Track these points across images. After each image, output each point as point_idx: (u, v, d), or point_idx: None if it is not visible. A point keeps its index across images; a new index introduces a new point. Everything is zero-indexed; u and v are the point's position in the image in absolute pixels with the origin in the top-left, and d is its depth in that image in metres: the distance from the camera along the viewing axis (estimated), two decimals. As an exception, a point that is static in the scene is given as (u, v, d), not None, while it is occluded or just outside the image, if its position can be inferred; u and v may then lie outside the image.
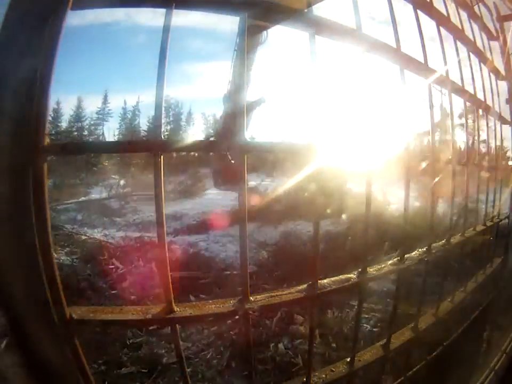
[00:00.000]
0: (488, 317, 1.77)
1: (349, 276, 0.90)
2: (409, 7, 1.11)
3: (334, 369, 0.96)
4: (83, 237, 6.91)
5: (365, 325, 3.41)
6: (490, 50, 1.76)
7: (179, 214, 9.19)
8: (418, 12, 1.12)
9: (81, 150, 0.71)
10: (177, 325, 0.68)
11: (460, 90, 1.34)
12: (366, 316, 3.54)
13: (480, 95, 1.55)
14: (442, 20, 1.27)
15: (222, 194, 12.24)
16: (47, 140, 0.51)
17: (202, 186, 13.69)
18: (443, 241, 1.31)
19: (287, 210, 8.06)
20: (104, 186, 14.35)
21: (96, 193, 13.77)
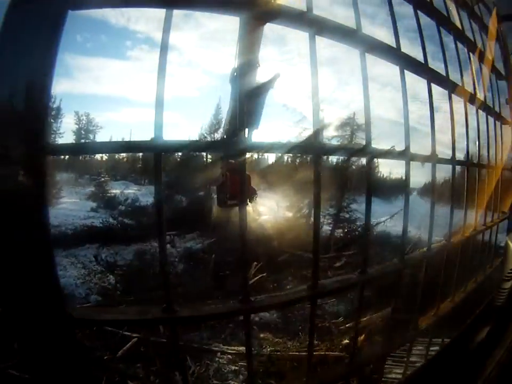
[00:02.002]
0: (488, 317, 1.76)
1: (349, 275, 0.90)
2: (409, 7, 1.11)
3: (334, 369, 0.96)
4: None
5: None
6: (490, 50, 1.76)
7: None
8: (418, 12, 1.12)
9: (82, 150, 0.71)
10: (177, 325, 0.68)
11: (459, 90, 1.33)
12: (234, 368, 2.64)
13: (480, 95, 1.55)
14: (442, 20, 1.27)
15: (78, 204, 10.00)
16: (47, 140, 0.51)
17: (56, 194, 11.15)
18: (443, 241, 1.31)
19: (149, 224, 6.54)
20: None
21: None
